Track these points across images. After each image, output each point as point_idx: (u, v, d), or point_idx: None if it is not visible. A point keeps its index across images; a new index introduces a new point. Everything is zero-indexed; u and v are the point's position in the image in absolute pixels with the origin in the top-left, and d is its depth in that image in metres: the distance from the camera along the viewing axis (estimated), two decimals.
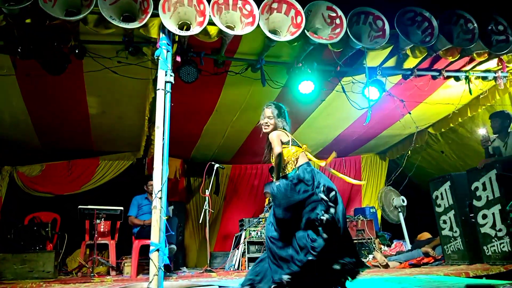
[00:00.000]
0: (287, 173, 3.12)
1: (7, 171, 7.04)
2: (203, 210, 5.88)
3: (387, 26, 4.23)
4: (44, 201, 7.10)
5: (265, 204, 7.10)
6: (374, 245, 6.51)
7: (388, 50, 4.70)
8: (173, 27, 3.79)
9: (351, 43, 4.27)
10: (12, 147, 6.81)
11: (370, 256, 6.14)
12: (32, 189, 7.12)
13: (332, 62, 4.88)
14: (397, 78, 5.38)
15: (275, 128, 3.27)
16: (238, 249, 6.29)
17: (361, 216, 6.89)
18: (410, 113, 5.94)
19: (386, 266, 5.34)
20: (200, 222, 5.86)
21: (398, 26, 4.24)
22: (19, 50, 3.99)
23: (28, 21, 3.70)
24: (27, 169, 7.13)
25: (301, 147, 3.21)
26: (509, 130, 4.91)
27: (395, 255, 5.87)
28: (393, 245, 6.76)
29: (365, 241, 6.55)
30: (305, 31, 4.04)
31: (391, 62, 5.11)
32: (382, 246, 6.79)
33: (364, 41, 4.29)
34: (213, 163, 6.24)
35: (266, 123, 3.30)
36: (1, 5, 3.41)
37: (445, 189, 5.16)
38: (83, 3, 3.58)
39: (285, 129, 3.30)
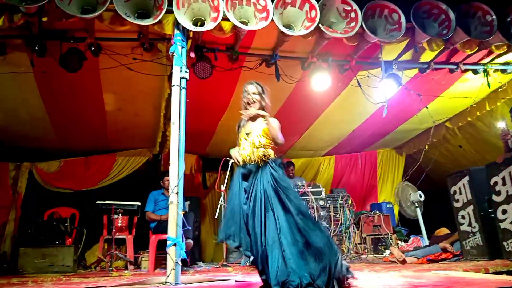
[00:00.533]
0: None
1: (27, 167, 7.17)
2: (219, 205, 5.89)
3: (403, 19, 4.18)
4: (63, 196, 7.22)
5: None
6: (391, 240, 6.46)
7: (404, 43, 4.64)
8: (187, 23, 3.81)
9: (366, 37, 4.23)
10: (31, 143, 6.93)
11: (387, 252, 6.10)
12: (51, 185, 7.24)
13: (347, 56, 4.84)
14: (414, 72, 5.31)
15: (261, 106, 3.14)
16: None
17: (377, 212, 6.83)
18: (427, 107, 5.86)
19: (404, 262, 5.28)
20: (216, 217, 5.88)
21: (414, 19, 4.18)
22: (36, 48, 4.06)
23: (45, 19, 3.76)
24: (45, 165, 7.25)
25: None
26: None
27: (413, 250, 5.80)
28: (410, 241, 6.70)
29: (381, 236, 6.50)
30: (320, 25, 4.02)
31: (407, 56, 5.05)
32: (399, 242, 6.73)
33: (379, 35, 4.25)
34: (228, 158, 6.22)
35: (252, 99, 3.13)
36: (19, 3, 3.47)
37: (463, 184, 5.07)
38: (98, 0, 3.62)
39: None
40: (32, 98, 5.35)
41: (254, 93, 3.13)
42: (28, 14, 3.61)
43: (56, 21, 3.80)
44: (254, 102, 3.11)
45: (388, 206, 7.58)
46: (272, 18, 3.89)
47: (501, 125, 5.30)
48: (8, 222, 6.83)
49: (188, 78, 3.79)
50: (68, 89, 5.25)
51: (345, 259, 5.62)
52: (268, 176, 2.89)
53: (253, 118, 3.13)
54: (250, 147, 3.04)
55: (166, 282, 3.24)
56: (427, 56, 5.03)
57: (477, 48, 4.61)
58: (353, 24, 4.11)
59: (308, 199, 6.01)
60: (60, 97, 5.45)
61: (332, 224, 6.00)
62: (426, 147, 7.34)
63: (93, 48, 4.23)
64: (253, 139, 3.05)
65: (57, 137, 6.75)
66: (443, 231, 6.36)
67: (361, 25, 4.08)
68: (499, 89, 5.70)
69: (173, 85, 3.75)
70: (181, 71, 3.78)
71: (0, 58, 4.29)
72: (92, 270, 6.09)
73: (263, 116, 3.07)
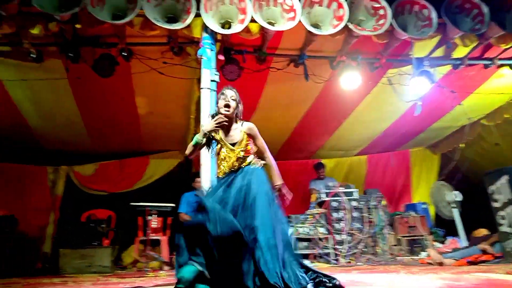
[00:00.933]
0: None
1: (64, 171, 7.42)
2: None
3: (434, 15, 4.09)
4: (99, 199, 7.41)
5: (311, 201, 7.05)
6: (427, 242, 6.30)
7: (436, 39, 4.54)
8: (215, 26, 3.86)
9: (396, 34, 4.16)
10: (67, 147, 7.18)
11: (424, 254, 5.95)
12: (87, 188, 7.46)
13: (377, 54, 4.77)
14: (447, 68, 5.18)
15: (236, 113, 2.96)
16: None
17: (412, 212, 6.67)
18: (461, 104, 5.68)
19: (441, 264, 5.14)
20: None
21: (446, 14, 4.10)
22: (70, 54, 4.22)
23: (78, 26, 3.91)
24: (82, 169, 7.48)
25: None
26: None
27: (450, 252, 5.64)
28: (447, 242, 6.51)
29: (417, 238, 6.35)
30: (348, 23, 3.98)
31: (439, 52, 4.92)
32: (436, 243, 6.56)
33: (410, 32, 4.17)
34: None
35: (231, 105, 2.91)
36: (54, 11, 3.61)
37: (502, 183, 4.89)
38: (128, 6, 3.73)
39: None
40: (67, 103, 5.54)
41: (232, 98, 2.93)
42: (62, 21, 3.76)
43: (88, 28, 3.94)
44: (229, 110, 2.89)
45: (423, 206, 7.38)
46: (300, 18, 3.88)
47: None
48: (48, 224, 7.11)
49: (218, 81, 3.84)
50: (101, 94, 5.41)
51: (379, 261, 5.55)
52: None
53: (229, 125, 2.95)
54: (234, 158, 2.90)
55: None
56: (460, 52, 4.88)
57: None
58: (382, 21, 4.05)
59: (340, 200, 5.94)
60: (94, 101, 5.63)
61: (366, 226, 5.90)
62: (461, 145, 7.13)
63: (124, 53, 4.35)
64: (238, 150, 2.90)
65: (92, 141, 6.96)
66: (482, 232, 6.15)
67: (391, 22, 4.01)
68: None
69: (203, 88, 3.81)
70: (210, 74, 3.83)
71: (36, 65, 4.48)
72: (129, 270, 6.21)
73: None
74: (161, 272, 5.51)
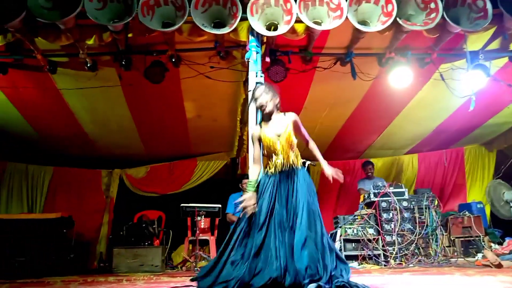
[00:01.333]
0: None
1: (117, 174, 7.75)
2: None
3: (489, 6, 3.89)
4: (150, 200, 7.66)
5: (360, 201, 6.92)
6: (483, 243, 6.03)
7: (492, 31, 4.32)
8: (261, 29, 3.87)
9: (448, 28, 3.99)
10: (120, 151, 7.45)
11: (479, 255, 5.70)
12: (139, 189, 7.74)
13: (428, 49, 4.61)
14: (503, 61, 4.92)
15: (275, 105, 3.10)
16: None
17: (467, 212, 6.40)
18: None
19: (499, 266, 4.89)
20: None
21: (502, 4, 3.88)
22: (123, 62, 4.37)
23: (130, 35, 4.04)
24: (134, 171, 7.77)
25: None
26: None
27: (509, 253, 5.36)
28: (505, 243, 6.17)
29: (472, 238, 6.09)
30: (397, 19, 3.87)
31: (495, 44, 4.68)
32: (493, 244, 6.25)
33: (463, 24, 3.99)
34: (304, 160, 6.21)
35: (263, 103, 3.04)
36: (107, 23, 3.76)
37: None
38: (177, 14, 3.81)
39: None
40: (121, 110, 5.76)
41: (263, 94, 3.04)
42: (115, 31, 3.90)
43: (140, 37, 4.06)
44: (263, 106, 3.03)
45: (478, 206, 7.07)
46: (347, 16, 3.81)
47: None
48: (102, 225, 7.45)
49: (263, 83, 3.84)
50: (152, 100, 5.57)
51: (432, 262, 5.36)
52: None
53: (269, 116, 3.05)
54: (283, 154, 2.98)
55: None
56: None
57: None
58: (433, 15, 3.89)
59: (390, 200, 5.80)
60: (145, 107, 5.81)
61: (417, 226, 5.72)
62: None
63: (173, 60, 4.45)
64: (284, 145, 2.99)
65: (144, 145, 7.18)
66: None
67: (442, 16, 3.86)
68: None
69: (250, 90, 3.83)
70: (256, 76, 3.84)
71: (92, 74, 4.69)
72: (179, 270, 6.35)
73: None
74: None
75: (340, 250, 5.91)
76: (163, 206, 7.29)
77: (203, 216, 6.20)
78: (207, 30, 3.80)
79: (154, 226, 6.38)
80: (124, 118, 6.01)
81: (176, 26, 3.76)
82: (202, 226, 6.46)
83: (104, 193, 7.62)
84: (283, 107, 5.87)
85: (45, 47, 4.29)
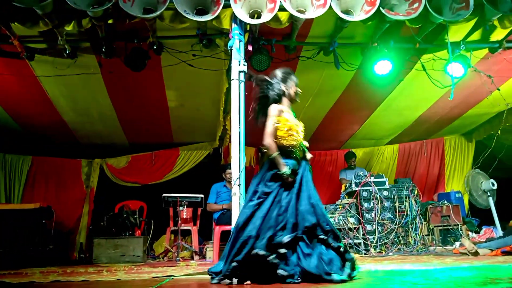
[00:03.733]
0: None
1: (98, 164, 7.63)
2: None
3: None
4: (132, 190, 7.62)
5: (342, 191, 6.98)
6: (461, 231, 6.16)
7: (473, 22, 4.35)
8: (244, 16, 3.82)
9: (431, 18, 4.00)
10: (101, 141, 7.35)
11: (457, 243, 5.82)
12: (120, 179, 7.65)
13: (411, 39, 4.63)
14: (484, 52, 4.98)
15: None
16: None
17: (446, 202, 6.52)
18: (499, 89, 5.46)
19: (476, 254, 5.00)
20: None
21: None
22: (103, 49, 4.28)
23: (110, 21, 3.94)
24: (115, 161, 7.67)
25: None
26: None
27: (485, 242, 5.48)
28: (482, 232, 6.36)
29: (450, 227, 6.21)
30: (380, 8, 3.87)
31: (476, 35, 4.72)
32: (470, 233, 6.40)
33: (445, 14, 4.00)
34: None
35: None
36: (86, 8, 3.66)
37: None
38: (158, 0, 3.73)
39: None
40: (101, 98, 5.66)
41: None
42: (95, 18, 3.80)
43: (120, 23, 3.97)
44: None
45: (457, 195, 7.21)
46: (330, 5, 3.79)
47: None
48: (82, 215, 7.35)
49: (246, 71, 3.80)
50: (133, 88, 5.49)
51: (411, 250, 5.46)
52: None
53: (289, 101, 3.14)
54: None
55: None
56: (498, 34, 4.67)
57: None
58: (416, 5, 3.90)
59: (371, 190, 5.86)
60: (127, 95, 5.72)
61: (397, 215, 5.80)
62: (498, 132, 6.89)
63: (155, 47, 4.37)
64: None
65: (125, 134, 7.10)
66: None
67: (425, 5, 3.86)
68: None
69: (232, 79, 3.79)
70: (239, 65, 3.80)
71: (71, 61, 4.58)
72: (160, 260, 6.33)
73: None
74: (191, 261, 5.60)
75: None
76: (145, 196, 7.24)
77: (185, 206, 6.19)
78: (189, 17, 3.73)
79: (135, 216, 6.34)
80: (105, 106, 5.91)
81: (158, 13, 3.68)
82: (184, 216, 6.44)
83: (84, 183, 7.51)
84: None
85: (22, 33, 4.17)
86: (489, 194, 6.96)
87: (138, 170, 7.64)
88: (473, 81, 5.42)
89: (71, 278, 3.46)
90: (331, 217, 6.01)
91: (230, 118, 3.79)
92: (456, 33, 4.64)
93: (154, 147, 7.69)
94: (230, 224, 3.44)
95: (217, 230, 5.67)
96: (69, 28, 3.92)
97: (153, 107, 6.14)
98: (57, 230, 6.36)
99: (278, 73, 3.06)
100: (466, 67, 4.77)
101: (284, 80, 3.04)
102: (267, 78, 3.06)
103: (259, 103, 3.08)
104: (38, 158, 7.45)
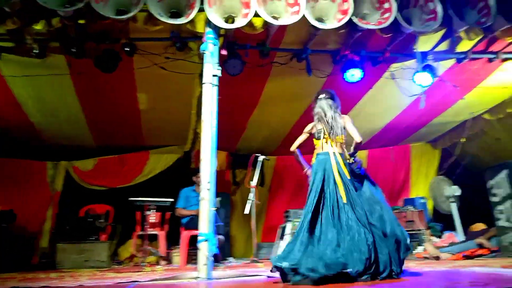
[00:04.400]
0: None
1: (64, 166, 7.43)
2: (249, 201, 5.90)
3: (439, 8, 4.04)
4: (98, 193, 7.42)
5: None
6: (424, 236, 6.33)
7: (441, 33, 4.50)
8: (218, 21, 3.81)
9: (401, 28, 4.12)
10: (68, 143, 7.14)
11: (420, 248, 5.98)
12: (86, 183, 7.47)
13: (381, 48, 4.74)
14: (451, 62, 5.15)
15: None
16: (283, 240, 6.30)
17: (410, 207, 6.70)
18: (464, 99, 5.67)
19: (438, 258, 5.18)
20: (247, 213, 5.91)
21: (451, 7, 4.04)
22: (73, 50, 4.17)
23: (81, 21, 3.85)
24: (81, 164, 7.48)
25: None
26: None
27: (447, 246, 5.67)
28: (444, 237, 6.55)
29: (415, 232, 6.38)
30: (352, 17, 3.94)
31: (443, 46, 4.89)
32: (433, 238, 6.59)
33: (415, 25, 4.12)
34: (258, 155, 6.25)
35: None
36: (57, 7, 3.55)
37: (502, 178, 4.92)
38: (132, 1, 3.67)
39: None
40: (69, 99, 5.51)
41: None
42: (65, 17, 3.70)
43: (92, 24, 3.89)
44: None
45: (421, 201, 7.43)
46: (304, 12, 3.83)
47: None
48: (46, 219, 7.12)
49: (219, 75, 3.79)
50: (103, 90, 5.38)
51: None
52: None
53: None
54: None
55: (197, 277, 3.27)
56: (465, 45, 4.85)
57: None
58: (387, 15, 4.00)
59: None
60: (96, 97, 5.60)
61: None
62: (463, 140, 7.14)
63: (127, 49, 4.30)
64: None
65: (93, 136, 6.94)
66: (479, 226, 6.19)
67: (396, 16, 3.97)
68: None
69: (205, 83, 3.76)
70: (212, 69, 3.78)
71: (39, 61, 4.44)
72: (125, 265, 6.23)
73: None
74: (158, 266, 5.53)
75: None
76: (112, 200, 7.07)
77: (153, 210, 6.08)
78: (163, 19, 3.68)
79: (101, 221, 6.20)
80: (73, 107, 5.76)
81: (131, 14, 3.62)
82: (152, 221, 6.32)
83: (49, 186, 7.30)
84: (240, 101, 5.88)
85: None
86: (452, 200, 7.21)
87: (106, 173, 7.48)
88: (440, 90, 5.59)
89: (31, 284, 3.33)
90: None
91: (202, 122, 3.75)
92: (425, 43, 4.78)
93: (123, 150, 7.55)
94: (198, 229, 3.40)
95: (185, 234, 5.62)
96: (38, 27, 3.83)
97: (124, 110, 6.02)
98: (19, 234, 6.14)
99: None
100: (433, 76, 4.91)
101: None
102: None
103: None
104: (0, 159, 7.15)
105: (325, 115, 3.45)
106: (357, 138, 3.38)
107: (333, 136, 3.39)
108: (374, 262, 2.72)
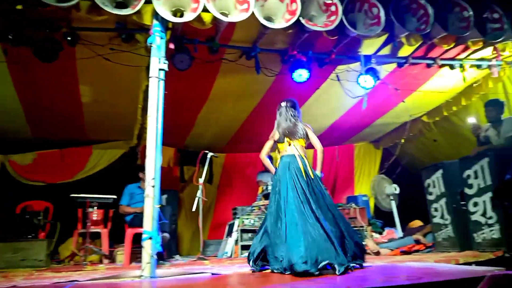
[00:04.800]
0: None
1: None
2: (196, 198, 5.86)
3: (382, 14, 4.20)
4: (37, 189, 7.06)
5: (258, 193, 7.11)
6: (366, 232, 6.56)
7: (384, 38, 4.68)
8: (166, 14, 3.73)
9: (346, 31, 4.24)
10: (3, 135, 6.73)
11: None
12: (24, 178, 7.08)
13: (327, 50, 4.86)
14: (392, 66, 5.38)
15: None
16: (231, 237, 6.31)
17: (353, 204, 6.92)
18: (404, 102, 5.95)
19: (378, 254, 5.38)
20: (194, 210, 5.87)
21: (393, 13, 4.22)
22: (10, 37, 3.93)
23: (19, 7, 3.63)
24: (19, 158, 7.07)
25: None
26: (501, 118, 4.97)
27: (387, 242, 5.91)
28: (385, 233, 6.81)
29: (357, 228, 6.59)
30: (300, 18, 4.01)
31: (386, 50, 5.10)
32: (374, 234, 6.83)
33: (359, 29, 4.27)
34: (206, 151, 6.21)
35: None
36: None
37: (437, 177, 5.17)
38: None
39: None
40: (5, 89, 5.18)
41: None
42: (1, 1, 3.48)
43: (31, 10, 3.67)
44: None
45: (364, 198, 7.68)
46: (253, 10, 3.85)
47: (471, 120, 5.39)
48: None
49: (166, 70, 3.71)
50: (43, 80, 5.10)
51: None
52: None
53: None
54: None
55: (141, 276, 3.20)
56: (406, 50, 5.09)
57: (454, 43, 4.69)
58: (333, 17, 4.11)
59: None
60: (35, 87, 5.30)
61: None
62: (402, 141, 7.48)
63: (69, 38, 4.10)
64: None
65: (31, 129, 6.59)
66: (417, 223, 6.51)
67: (341, 19, 4.08)
68: (474, 85, 5.85)
69: (151, 77, 3.67)
70: (159, 62, 3.70)
71: None
72: (66, 264, 5.99)
73: None
74: (100, 265, 5.36)
75: (237, 240, 6.06)
76: (52, 196, 6.74)
77: (95, 208, 5.88)
78: (108, 9, 3.55)
79: (39, 218, 5.90)
80: (9, 98, 5.42)
81: (73, 2, 3.46)
82: (94, 218, 6.12)
83: None
84: (189, 97, 5.81)
85: None
86: (392, 198, 7.54)
87: (45, 168, 7.11)
88: (382, 93, 5.83)
89: None
90: (247, 218, 6.11)
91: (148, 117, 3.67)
92: (368, 47, 4.96)
93: (65, 144, 7.22)
94: (142, 226, 3.33)
95: (129, 232, 5.49)
96: None
97: (65, 102, 5.75)
98: None
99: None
100: (375, 79, 5.11)
101: None
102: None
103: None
104: None
105: (286, 119, 3.73)
106: (319, 147, 3.69)
107: (294, 139, 3.63)
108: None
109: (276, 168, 3.67)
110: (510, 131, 4.83)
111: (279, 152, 3.71)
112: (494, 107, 5.00)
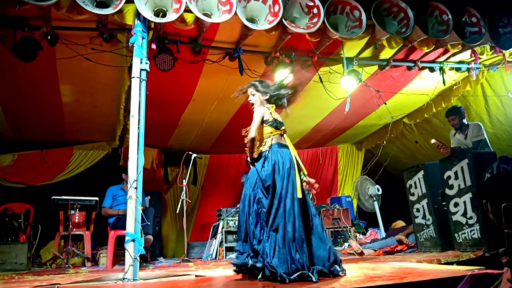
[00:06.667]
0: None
1: None
2: (180, 200, 5.84)
3: (363, 16, 4.25)
4: (17, 191, 6.95)
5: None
6: (349, 233, 6.61)
7: (365, 40, 4.73)
8: (148, 14, 3.71)
9: (328, 33, 4.28)
10: None
11: (346, 244, 6.23)
12: (3, 179, 6.94)
13: (310, 51, 4.89)
14: (374, 69, 5.44)
15: (259, 103, 3.36)
16: (215, 238, 6.30)
17: (337, 205, 6.97)
18: (385, 104, 6.01)
19: (361, 254, 5.42)
20: (178, 212, 5.84)
21: (374, 16, 4.26)
22: None
23: None
24: None
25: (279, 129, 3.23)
26: (466, 122, 5.26)
27: (370, 243, 5.96)
28: (368, 233, 6.87)
29: (340, 229, 6.64)
30: (283, 20, 4.02)
31: (367, 53, 5.16)
32: (358, 234, 6.89)
33: (341, 31, 4.30)
34: (190, 153, 6.20)
35: (250, 100, 3.44)
36: None
37: (418, 178, 5.24)
38: None
39: (271, 103, 3.35)
40: None
41: (252, 94, 3.43)
42: None
43: (9, 8, 3.61)
44: (252, 104, 3.43)
45: (347, 199, 7.74)
46: (236, 11, 3.85)
47: (432, 141, 5.41)
48: None
49: (148, 70, 3.68)
50: (22, 80, 5.02)
51: None
52: None
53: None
54: None
55: (124, 279, 3.16)
56: (387, 53, 5.16)
57: (433, 46, 4.76)
58: (315, 20, 4.13)
59: None
60: (14, 87, 5.22)
61: None
62: (384, 142, 7.57)
63: (49, 37, 4.04)
64: None
65: (11, 129, 6.48)
66: (399, 223, 6.58)
67: (323, 21, 4.11)
68: (454, 87, 5.95)
69: (133, 77, 3.63)
70: (141, 63, 3.66)
71: None
72: (48, 267, 5.89)
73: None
74: (82, 268, 5.28)
75: (222, 241, 6.04)
76: (33, 198, 6.63)
77: (77, 210, 5.81)
78: (88, 8, 3.51)
79: (20, 220, 5.79)
80: None
81: (53, 1, 3.41)
82: (76, 220, 6.05)
83: None
84: (172, 98, 5.78)
85: None
86: (374, 198, 7.62)
87: (26, 170, 6.99)
88: (364, 95, 5.89)
89: None
90: (232, 220, 6.11)
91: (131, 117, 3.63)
92: (350, 49, 5.00)
93: (45, 145, 7.12)
94: (125, 228, 3.30)
95: (112, 235, 5.42)
96: None
97: (45, 102, 5.68)
98: None
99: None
100: (357, 81, 5.16)
101: None
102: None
103: None
104: None
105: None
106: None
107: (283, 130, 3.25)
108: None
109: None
110: (477, 136, 5.07)
111: (269, 136, 3.24)
112: (455, 115, 5.29)
